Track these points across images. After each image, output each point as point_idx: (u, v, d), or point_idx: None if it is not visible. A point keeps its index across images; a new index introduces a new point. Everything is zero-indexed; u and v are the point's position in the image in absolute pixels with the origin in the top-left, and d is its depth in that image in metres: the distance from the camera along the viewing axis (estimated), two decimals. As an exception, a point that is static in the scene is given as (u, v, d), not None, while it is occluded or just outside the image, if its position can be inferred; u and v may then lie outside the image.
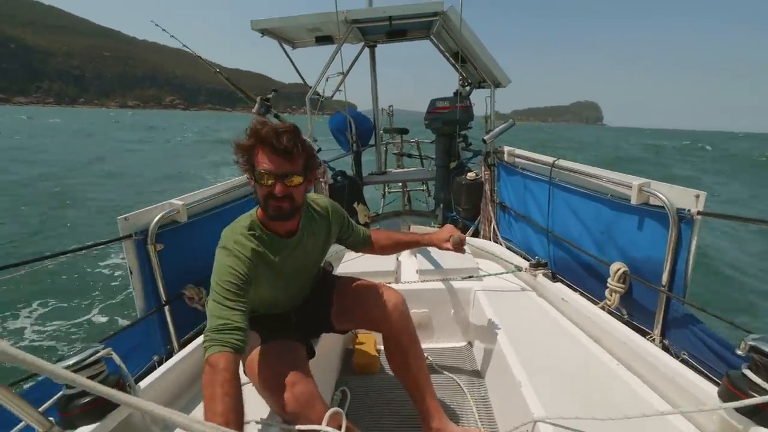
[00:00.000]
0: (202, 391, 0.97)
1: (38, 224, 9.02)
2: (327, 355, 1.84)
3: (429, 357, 2.04)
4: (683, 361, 1.42)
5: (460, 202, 3.61)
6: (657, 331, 1.65)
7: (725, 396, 1.03)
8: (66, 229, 8.87)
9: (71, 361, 1.02)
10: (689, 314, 1.53)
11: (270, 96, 3.08)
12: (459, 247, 1.62)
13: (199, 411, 1.35)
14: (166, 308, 1.78)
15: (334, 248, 2.57)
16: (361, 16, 3.24)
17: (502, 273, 2.35)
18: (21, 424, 0.99)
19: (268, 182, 1.15)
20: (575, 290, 2.02)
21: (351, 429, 1.18)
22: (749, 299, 5.90)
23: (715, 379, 1.32)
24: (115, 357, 1.11)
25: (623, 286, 1.79)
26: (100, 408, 1.05)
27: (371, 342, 2.10)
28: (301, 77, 3.90)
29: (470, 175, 3.51)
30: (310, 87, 3.47)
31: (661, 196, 1.56)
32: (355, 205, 3.75)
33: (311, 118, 3.46)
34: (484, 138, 3.18)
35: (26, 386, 1.24)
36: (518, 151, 2.87)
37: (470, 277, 2.28)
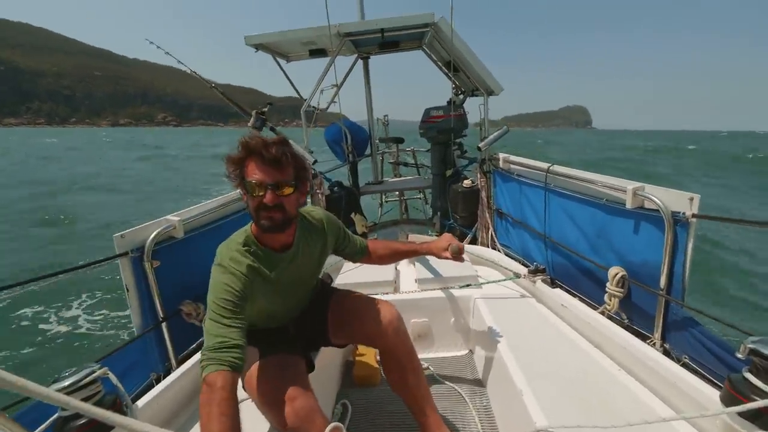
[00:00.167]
0: (199, 410, 0.96)
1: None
2: (327, 367, 1.82)
3: (430, 367, 2.02)
4: (684, 365, 1.41)
5: (457, 210, 3.62)
6: (657, 335, 1.64)
7: (727, 400, 1.02)
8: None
9: (66, 383, 1.00)
10: (689, 317, 1.53)
11: (265, 109, 3.10)
12: (458, 255, 1.61)
13: (197, 430, 1.33)
14: (164, 325, 1.77)
15: (333, 259, 2.57)
16: (353, 29, 3.28)
17: (502, 280, 2.34)
18: None
19: (259, 193, 1.15)
20: (574, 296, 2.02)
21: None
22: (749, 299, 5.90)
23: (716, 382, 1.32)
24: (112, 377, 1.10)
25: (622, 290, 1.79)
26: (97, 429, 1.03)
27: (371, 354, 2.08)
28: (296, 90, 3.93)
29: (466, 182, 3.53)
30: (305, 100, 3.49)
31: (655, 199, 1.57)
32: (352, 215, 3.75)
33: (306, 131, 3.48)
34: (479, 145, 3.21)
35: (22, 407, 1.22)
36: (513, 158, 2.89)
37: (469, 285, 2.27)
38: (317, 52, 3.85)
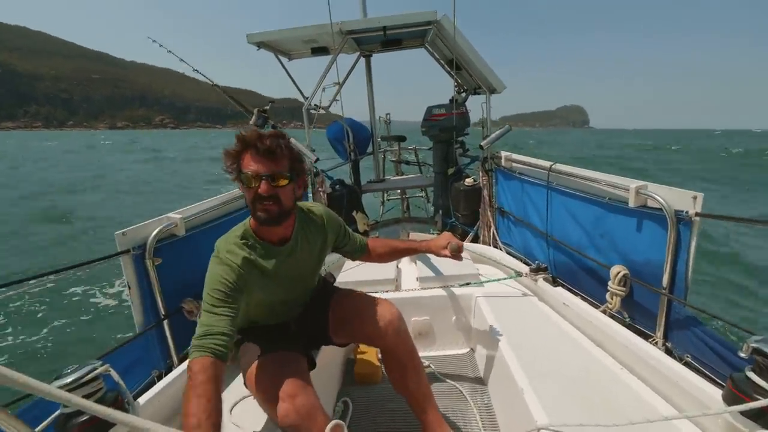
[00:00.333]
0: None
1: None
2: (328, 365, 1.82)
3: (431, 365, 2.02)
4: (686, 364, 1.41)
5: (459, 208, 3.61)
6: (659, 334, 1.64)
7: (730, 399, 1.02)
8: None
9: (68, 380, 1.01)
10: (691, 316, 1.52)
11: (267, 108, 3.10)
12: (457, 254, 1.61)
13: None
14: (165, 322, 1.77)
15: (334, 257, 2.57)
16: (355, 27, 3.27)
17: (503, 278, 2.34)
18: None
19: (254, 184, 1.16)
20: (576, 294, 2.01)
21: None
22: (751, 297, 5.88)
23: (718, 381, 1.31)
24: (113, 373, 1.10)
25: (624, 289, 1.78)
26: (99, 426, 1.03)
27: (373, 352, 2.08)
28: (298, 88, 3.93)
29: (468, 180, 3.52)
30: (306, 98, 3.49)
31: (658, 198, 1.56)
32: (354, 213, 3.75)
33: (308, 129, 3.48)
34: (482, 144, 3.20)
35: (24, 404, 1.23)
36: (515, 156, 2.88)
37: (471, 283, 2.27)
38: (319, 50, 3.84)
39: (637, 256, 1.77)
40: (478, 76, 3.37)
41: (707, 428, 1.13)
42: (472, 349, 2.19)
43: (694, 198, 1.46)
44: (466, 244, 2.86)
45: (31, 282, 1.31)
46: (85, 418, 1.01)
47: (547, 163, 2.39)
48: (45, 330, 5.17)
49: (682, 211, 1.50)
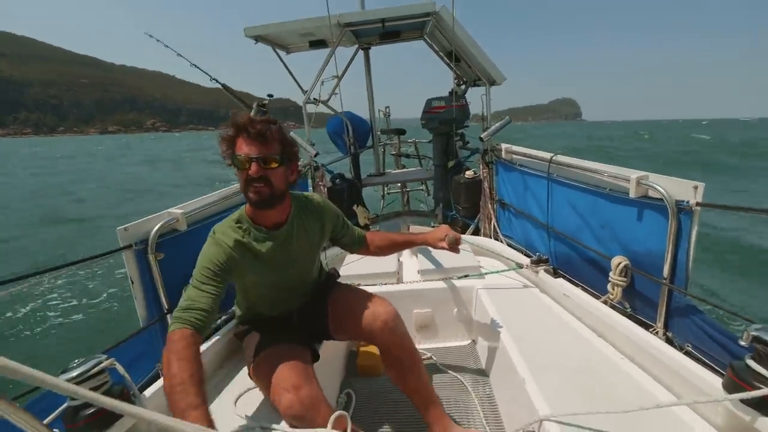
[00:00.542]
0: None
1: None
2: (331, 357, 1.83)
3: (433, 357, 2.03)
4: (687, 353, 1.41)
5: (460, 201, 3.61)
6: (660, 324, 1.64)
7: (730, 387, 1.03)
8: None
9: (74, 373, 1.02)
10: (692, 305, 1.53)
11: (266, 102, 3.09)
12: (454, 246, 1.61)
13: None
14: (168, 316, 1.78)
15: (336, 250, 2.58)
16: (353, 20, 3.24)
17: (504, 270, 2.35)
18: None
19: (246, 166, 1.19)
20: (577, 285, 2.02)
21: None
22: (751, 289, 5.90)
23: (719, 370, 1.32)
24: (119, 367, 1.11)
25: (625, 279, 1.79)
26: (106, 418, 1.05)
27: (375, 344, 2.10)
28: (296, 82, 3.91)
29: (468, 173, 3.51)
30: (305, 92, 3.47)
31: (659, 188, 1.56)
32: (354, 207, 3.75)
33: (308, 123, 3.46)
34: (482, 136, 3.19)
35: (31, 398, 1.24)
36: (516, 148, 2.87)
37: (472, 275, 2.28)
38: (317, 43, 3.81)
39: (637, 246, 1.77)
40: (478, 68, 3.35)
41: (708, 416, 1.14)
42: (473, 340, 2.20)
43: (695, 188, 1.46)
44: (467, 237, 2.86)
45: (32, 279, 1.32)
46: (92, 410, 1.02)
47: (547, 155, 2.38)
48: (47, 325, 5.20)
49: (683, 201, 1.49)
